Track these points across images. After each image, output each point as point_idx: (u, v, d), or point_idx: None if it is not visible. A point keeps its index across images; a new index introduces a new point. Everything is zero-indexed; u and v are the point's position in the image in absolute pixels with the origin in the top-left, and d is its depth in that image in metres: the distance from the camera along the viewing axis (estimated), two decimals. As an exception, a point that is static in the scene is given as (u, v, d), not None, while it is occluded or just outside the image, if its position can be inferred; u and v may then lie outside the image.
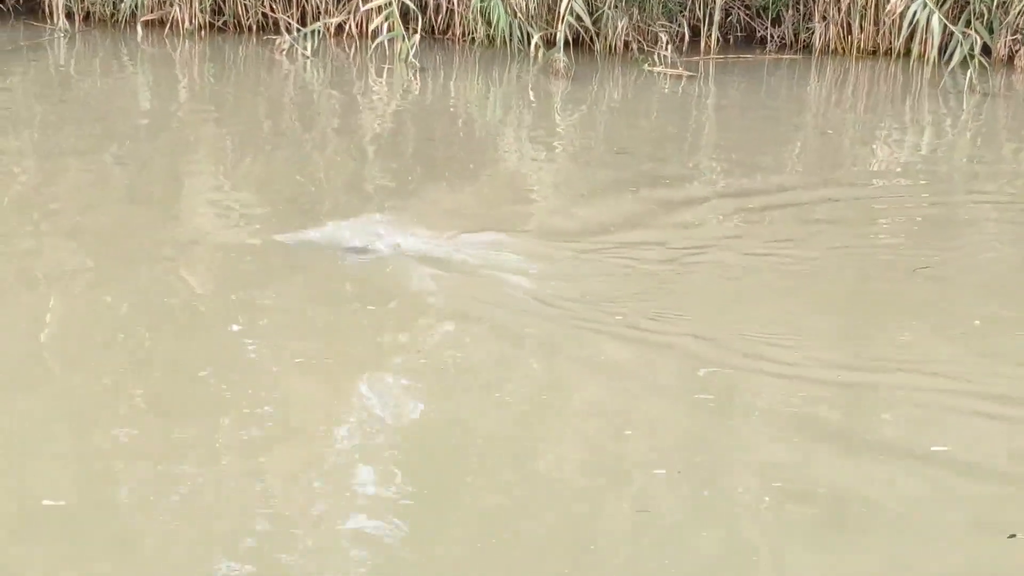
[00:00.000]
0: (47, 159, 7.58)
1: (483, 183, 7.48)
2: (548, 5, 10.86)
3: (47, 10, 11.40)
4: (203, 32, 11.26)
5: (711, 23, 11.17)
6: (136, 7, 11.26)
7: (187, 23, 11.15)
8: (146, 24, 11.32)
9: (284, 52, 10.70)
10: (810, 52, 11.41)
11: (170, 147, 8.00)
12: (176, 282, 5.66)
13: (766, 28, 11.67)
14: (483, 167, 7.82)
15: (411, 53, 10.37)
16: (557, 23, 10.56)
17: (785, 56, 11.35)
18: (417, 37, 10.54)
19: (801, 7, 11.49)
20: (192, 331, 5.11)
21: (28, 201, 6.78)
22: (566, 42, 10.50)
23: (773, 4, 11.48)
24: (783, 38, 11.60)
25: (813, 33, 11.45)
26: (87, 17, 11.44)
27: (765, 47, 11.53)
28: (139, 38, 11.11)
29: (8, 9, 11.65)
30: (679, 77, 10.44)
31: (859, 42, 11.37)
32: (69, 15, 11.34)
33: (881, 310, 5.62)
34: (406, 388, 4.72)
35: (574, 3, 10.36)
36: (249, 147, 8.08)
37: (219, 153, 7.98)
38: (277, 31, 11.18)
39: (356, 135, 8.60)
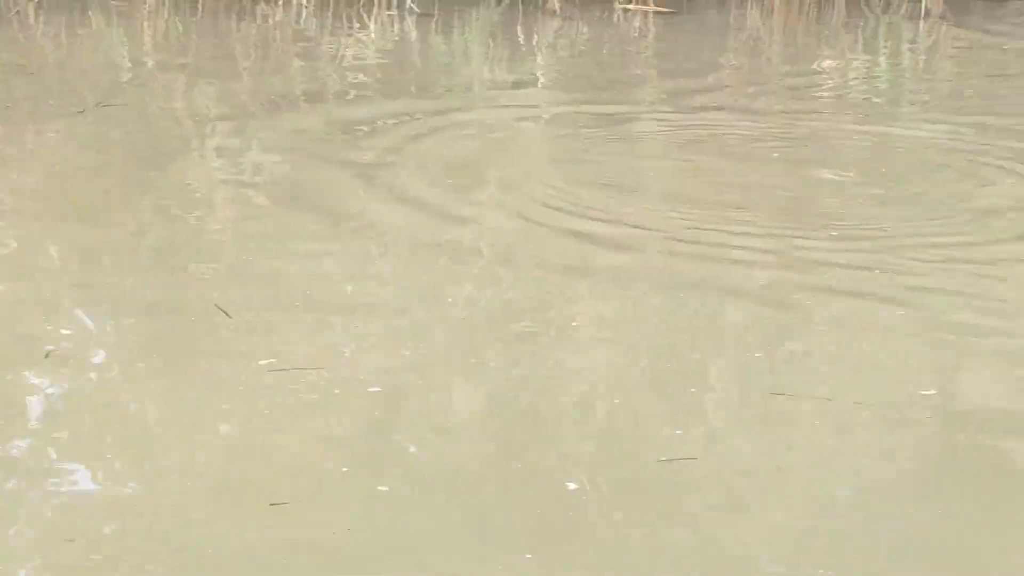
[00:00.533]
0: (19, 117, 7.76)
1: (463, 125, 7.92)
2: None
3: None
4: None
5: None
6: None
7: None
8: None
9: (281, 2, 10.79)
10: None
11: (150, 99, 8.23)
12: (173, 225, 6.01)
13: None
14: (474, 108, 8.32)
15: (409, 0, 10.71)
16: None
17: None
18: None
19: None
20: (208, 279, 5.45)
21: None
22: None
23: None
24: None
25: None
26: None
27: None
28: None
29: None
30: (655, 14, 10.88)
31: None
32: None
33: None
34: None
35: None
36: (229, 94, 8.36)
37: (202, 103, 8.18)
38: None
39: (345, 81, 8.87)
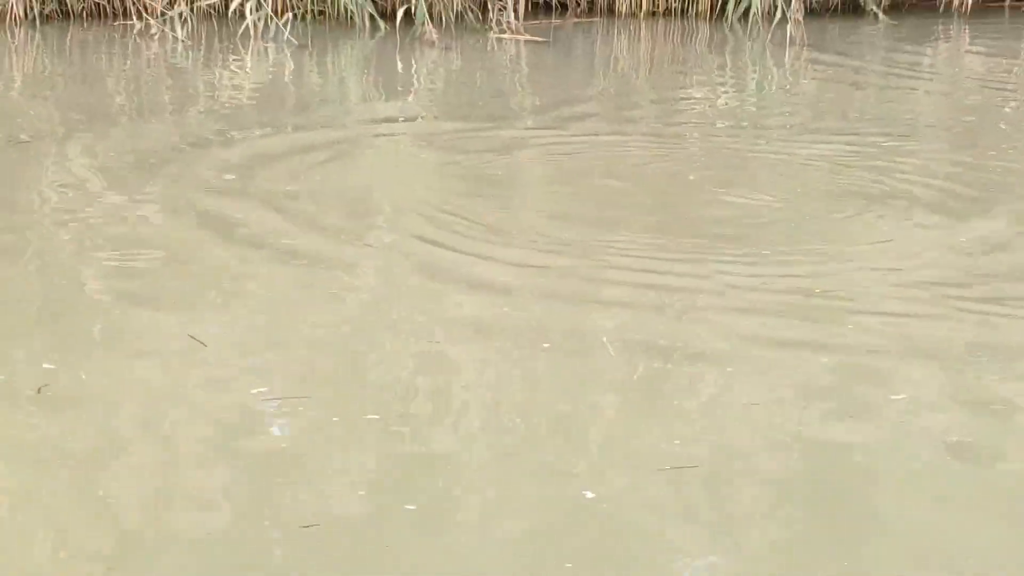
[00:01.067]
0: None
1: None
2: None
3: None
4: (53, 20, 11.24)
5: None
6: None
7: (24, 14, 11.09)
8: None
9: (156, 37, 10.84)
10: (613, 15, 12.33)
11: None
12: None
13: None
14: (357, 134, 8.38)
15: (287, 33, 10.75)
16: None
17: (592, 20, 12.21)
18: (289, 15, 10.92)
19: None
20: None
21: None
22: (407, 12, 11.12)
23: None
24: (578, 3, 12.46)
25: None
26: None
27: (565, 12, 12.39)
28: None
29: None
30: (528, 43, 11.16)
31: (652, 3, 12.35)
32: None
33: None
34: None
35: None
36: (106, 130, 8.13)
37: (78, 144, 7.83)
38: (131, 16, 11.24)
39: (220, 113, 8.75)
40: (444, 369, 4.66)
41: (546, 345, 4.84)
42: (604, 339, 4.86)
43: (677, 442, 4.12)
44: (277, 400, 4.28)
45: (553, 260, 5.78)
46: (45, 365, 4.51)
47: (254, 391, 4.36)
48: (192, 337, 4.72)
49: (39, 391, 4.30)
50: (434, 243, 5.93)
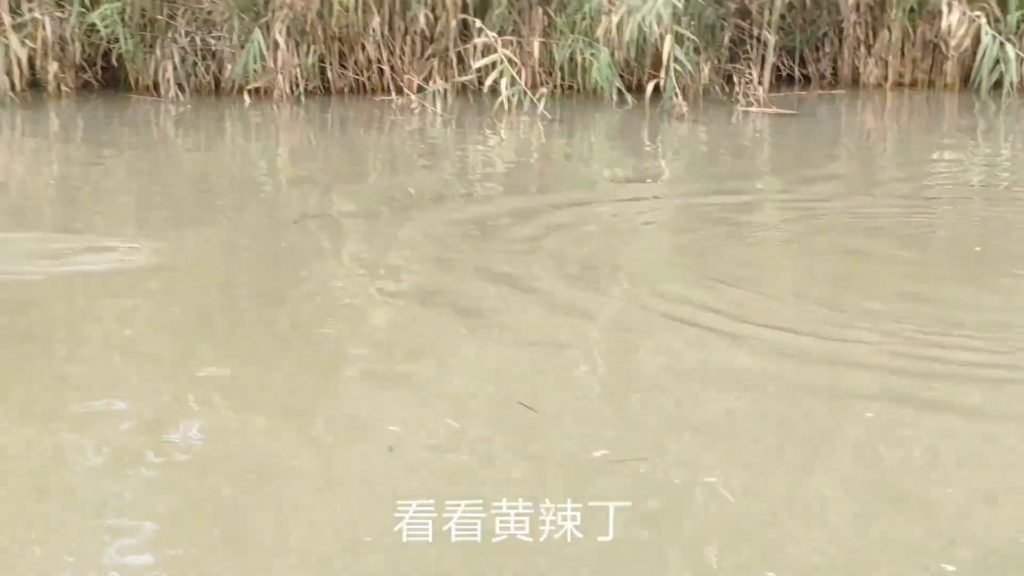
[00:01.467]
0: (155, 228, 7.51)
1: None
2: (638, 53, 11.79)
3: (139, 81, 11.94)
4: (315, 96, 11.90)
5: (764, 65, 12.03)
6: (242, 76, 11.77)
7: (290, 90, 11.75)
8: (255, 92, 11.81)
9: (415, 111, 11.37)
10: (857, 86, 12.39)
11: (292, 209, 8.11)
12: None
13: (807, 66, 12.72)
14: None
15: (541, 106, 11.10)
16: (664, 70, 11.30)
17: (835, 91, 12.33)
18: (544, 90, 11.31)
19: (831, 45, 12.60)
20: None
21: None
22: (655, 88, 11.39)
23: (808, 42, 12.56)
24: (823, 75, 12.58)
25: (857, 69, 12.46)
26: (181, 87, 11.82)
27: (809, 84, 12.49)
28: (246, 106, 11.60)
29: (98, 81, 12.15)
30: (774, 115, 11.39)
31: (898, 75, 12.39)
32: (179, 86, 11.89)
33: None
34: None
35: (675, 51, 11.15)
36: (369, 196, 8.38)
37: (340, 203, 8.20)
38: (389, 92, 11.89)
39: (479, 182, 8.99)
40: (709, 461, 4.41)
41: (803, 445, 4.48)
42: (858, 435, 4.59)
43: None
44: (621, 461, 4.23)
45: (802, 342, 5.35)
46: (391, 427, 4.57)
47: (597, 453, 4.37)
48: (523, 404, 4.69)
49: (391, 449, 4.42)
50: (671, 317, 5.69)
